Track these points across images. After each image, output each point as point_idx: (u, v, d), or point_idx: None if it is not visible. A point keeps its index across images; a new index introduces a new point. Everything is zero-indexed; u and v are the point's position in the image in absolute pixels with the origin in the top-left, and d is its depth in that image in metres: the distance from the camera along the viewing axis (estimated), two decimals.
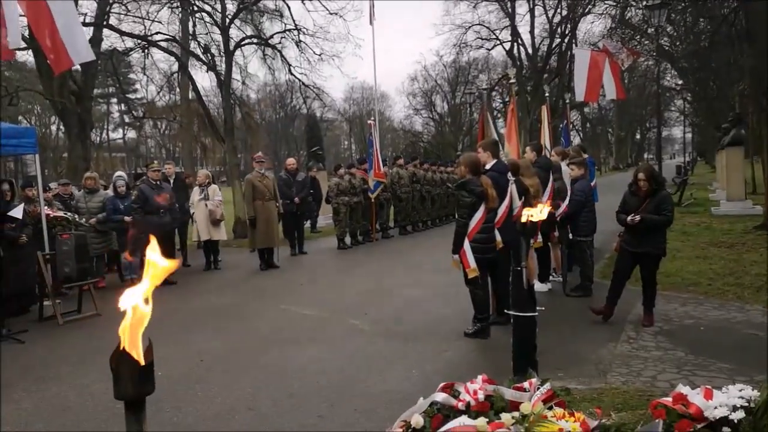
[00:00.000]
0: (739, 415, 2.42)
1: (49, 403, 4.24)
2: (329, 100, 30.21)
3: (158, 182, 8.79)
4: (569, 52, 27.65)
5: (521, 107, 25.34)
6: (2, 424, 3.86)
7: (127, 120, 44.91)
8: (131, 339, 1.32)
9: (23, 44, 12.80)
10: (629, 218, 5.33)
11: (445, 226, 15.00)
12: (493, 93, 33.52)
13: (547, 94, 12.35)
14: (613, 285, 5.72)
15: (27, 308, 7.20)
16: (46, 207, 7.72)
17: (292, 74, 18.46)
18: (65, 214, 8.09)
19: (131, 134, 49.29)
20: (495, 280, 5.84)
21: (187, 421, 3.80)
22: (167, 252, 8.88)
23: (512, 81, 8.46)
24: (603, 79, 10.80)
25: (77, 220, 8.13)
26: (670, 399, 2.75)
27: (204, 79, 65.80)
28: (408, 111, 50.45)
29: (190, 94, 19.76)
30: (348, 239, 12.08)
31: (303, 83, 18.69)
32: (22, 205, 6.77)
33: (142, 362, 1.33)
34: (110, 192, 9.05)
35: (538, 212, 3.91)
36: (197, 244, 10.49)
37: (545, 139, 8.56)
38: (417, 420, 3.11)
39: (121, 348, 1.31)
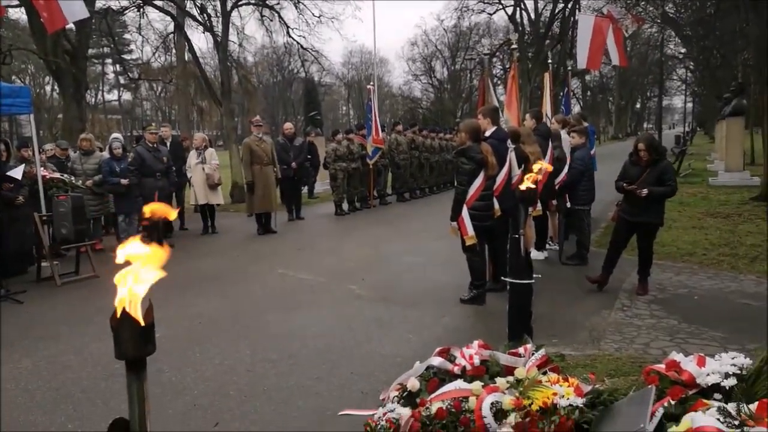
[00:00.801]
0: (731, 382, 2.46)
1: (48, 362, 4.29)
2: (328, 64, 29.77)
3: (155, 145, 8.71)
4: (572, 18, 27.13)
5: (522, 74, 25.01)
6: (2, 381, 3.91)
7: (122, 81, 44.23)
8: (131, 300, 1.31)
9: (15, 0, 12.50)
10: (638, 191, 5.28)
11: (442, 193, 14.99)
12: (494, 59, 33.09)
13: (549, 61, 12.16)
14: (609, 254, 5.75)
15: (25, 269, 7.22)
16: (42, 168, 7.66)
17: (290, 36, 18.18)
18: (61, 176, 8.02)
19: (127, 96, 48.67)
20: (492, 248, 5.87)
21: (185, 381, 3.86)
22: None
23: (514, 47, 8.33)
24: (606, 46, 10.64)
25: (73, 182, 8.05)
26: (663, 366, 2.80)
27: (200, 41, 64.50)
28: (407, 77, 49.89)
29: (186, 56, 19.42)
30: (345, 205, 12.07)
31: (301, 46, 18.44)
32: (21, 166, 6.72)
33: (143, 323, 1.33)
34: (106, 154, 8.96)
35: (536, 171, 3.89)
36: (194, 207, 10.46)
37: (546, 106, 8.47)
38: (413, 383, 3.16)
39: (121, 308, 1.30)
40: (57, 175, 8.01)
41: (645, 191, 5.26)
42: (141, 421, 1.39)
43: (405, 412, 2.97)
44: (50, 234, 7.16)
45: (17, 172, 6.39)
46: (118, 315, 1.28)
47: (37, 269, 6.93)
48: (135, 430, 1.39)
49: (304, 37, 18.32)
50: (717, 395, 2.45)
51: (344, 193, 11.96)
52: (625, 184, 5.43)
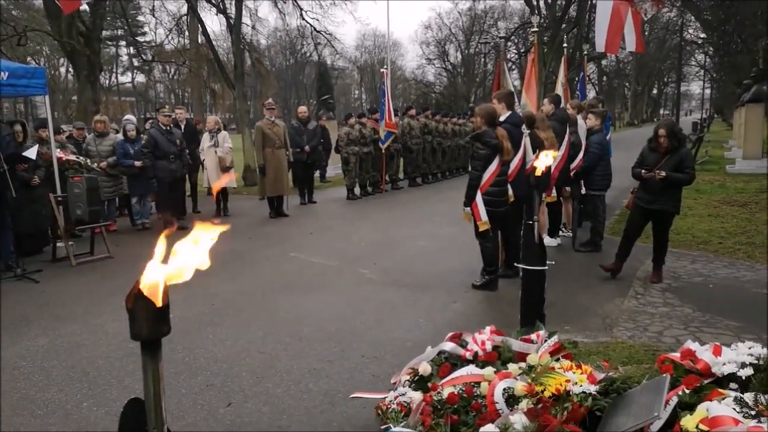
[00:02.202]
0: (748, 371, 2.43)
1: (64, 340, 4.35)
2: (341, 48, 29.60)
3: (169, 127, 8.72)
4: (590, 1, 26.66)
5: (538, 58, 24.68)
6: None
7: (135, 63, 44.34)
8: (150, 282, 1.31)
9: None
10: (656, 172, 5.21)
11: (455, 178, 14.92)
12: (508, 43, 32.68)
13: (565, 45, 11.96)
14: (623, 242, 5.69)
15: (40, 249, 7.32)
16: (58, 150, 7.70)
17: (303, 19, 18.06)
18: (77, 158, 8.05)
19: (140, 78, 48.79)
20: (505, 234, 5.83)
21: (198, 362, 3.89)
22: (177, 198, 8.94)
23: (535, 29, 8.17)
24: (624, 30, 10.42)
25: (89, 164, 8.09)
26: (677, 354, 2.77)
27: (214, 23, 64.54)
28: (420, 60, 49.51)
29: (200, 38, 19.40)
30: (357, 190, 12.05)
31: (315, 29, 18.33)
32: (36, 146, 6.77)
33: (159, 304, 1.33)
34: (120, 136, 9.00)
35: (545, 157, 3.83)
36: (207, 190, 10.51)
37: (560, 92, 8.35)
38: (425, 368, 3.16)
39: (138, 289, 1.30)
40: (73, 157, 8.04)
41: (663, 173, 5.17)
42: (156, 400, 1.39)
43: (416, 396, 2.98)
44: (65, 214, 7.23)
45: (32, 152, 6.44)
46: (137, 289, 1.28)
47: (52, 250, 7.01)
48: (150, 410, 1.40)
49: (317, 19, 18.24)
50: (733, 385, 2.43)
51: (356, 177, 11.94)
52: (643, 171, 5.34)
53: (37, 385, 3.60)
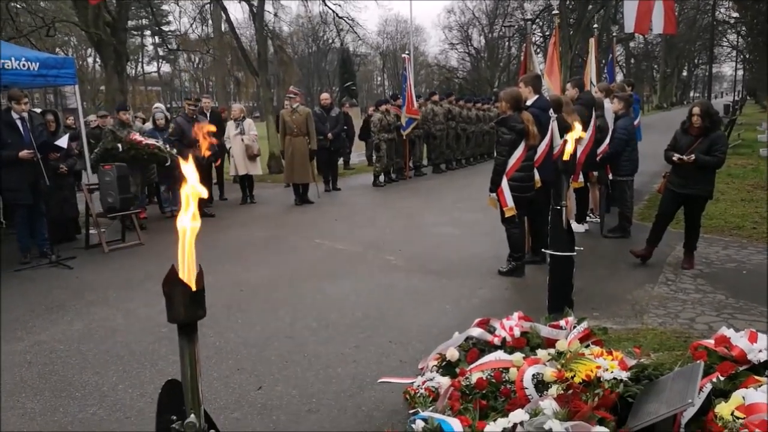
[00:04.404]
0: None
1: (99, 325, 4.46)
2: (363, 33, 29.44)
3: (195, 116, 8.82)
4: None
5: (563, 41, 24.22)
6: (57, 343, 4.10)
7: (161, 53, 44.81)
8: (184, 264, 1.33)
9: None
10: (685, 157, 5.10)
11: (479, 165, 14.81)
12: (533, 26, 32.12)
13: (596, 26, 11.70)
14: (654, 227, 5.58)
15: (74, 236, 7.50)
16: (136, 134, 7.72)
17: (325, 5, 17.98)
18: (157, 142, 7.85)
19: (166, 68, 49.33)
20: (532, 220, 5.78)
21: (229, 346, 3.96)
22: (203, 185, 9.12)
23: (555, 12, 8.05)
24: (653, 9, 10.16)
25: (167, 149, 7.86)
26: (711, 341, 2.73)
27: (237, 11, 64.80)
28: (443, 45, 49.20)
29: (223, 26, 19.48)
30: (382, 177, 12.05)
31: (337, 14, 18.26)
32: (66, 136, 6.90)
33: (194, 288, 1.35)
34: (149, 125, 9.12)
35: (574, 134, 3.77)
36: (233, 178, 10.63)
37: (591, 74, 8.19)
38: (452, 353, 3.17)
39: (174, 273, 1.32)
40: (152, 141, 7.81)
41: (693, 156, 5.06)
42: (193, 382, 1.42)
43: (444, 381, 2.99)
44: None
45: (63, 141, 6.58)
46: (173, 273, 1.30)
47: (85, 237, 7.18)
48: (187, 391, 1.43)
49: (339, 5, 18.13)
50: None
51: (388, 163, 11.92)
52: (675, 157, 5.22)
53: (74, 368, 3.71)
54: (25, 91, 6.51)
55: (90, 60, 40.18)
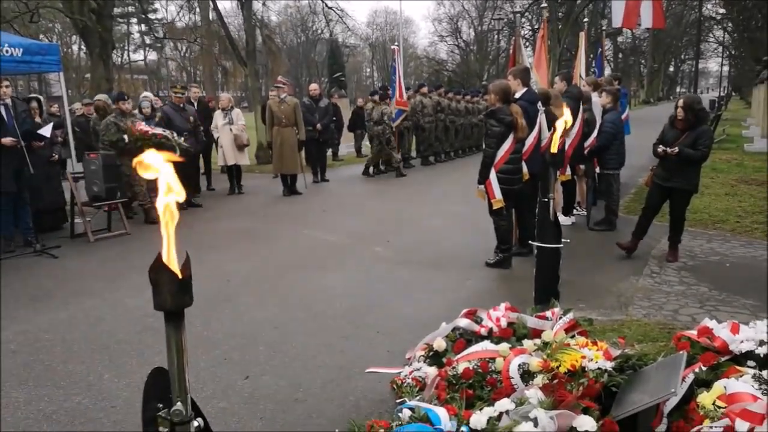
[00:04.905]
0: (766, 349, 2.43)
1: (84, 314, 4.42)
2: (352, 24, 29.29)
3: (182, 105, 8.73)
4: None
5: (551, 35, 24.28)
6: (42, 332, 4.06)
7: (147, 41, 44.26)
8: (168, 252, 1.32)
9: None
10: (669, 149, 5.15)
11: (467, 157, 14.83)
12: (522, 20, 32.13)
13: (586, 20, 11.74)
14: (640, 220, 5.64)
15: (59, 225, 7.41)
16: (143, 123, 7.46)
17: None
18: (164, 131, 7.54)
19: (152, 56, 48.76)
20: (519, 212, 5.81)
21: (215, 336, 3.95)
22: (190, 176, 8.97)
23: (543, 5, 8.07)
24: (641, 5, 10.21)
25: (176, 138, 7.53)
26: (694, 332, 2.77)
27: None
28: (432, 38, 49.09)
29: (211, 15, 19.28)
30: (371, 168, 12.03)
31: (326, 4, 18.10)
32: (50, 125, 6.80)
33: (180, 276, 1.34)
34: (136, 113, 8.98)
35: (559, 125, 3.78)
36: (221, 168, 10.56)
37: (581, 67, 8.22)
38: (440, 343, 3.19)
39: (160, 260, 1.31)
40: (159, 130, 7.49)
41: (676, 149, 5.11)
42: (179, 370, 1.42)
43: (431, 371, 3.01)
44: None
45: (47, 130, 6.48)
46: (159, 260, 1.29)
47: (70, 226, 7.10)
48: (174, 380, 1.42)
49: None
50: (750, 363, 2.42)
51: (377, 155, 11.92)
52: (659, 148, 5.27)
53: (59, 357, 3.68)
54: (6, 77, 6.38)
55: (75, 47, 39.57)
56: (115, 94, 9.14)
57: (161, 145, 7.13)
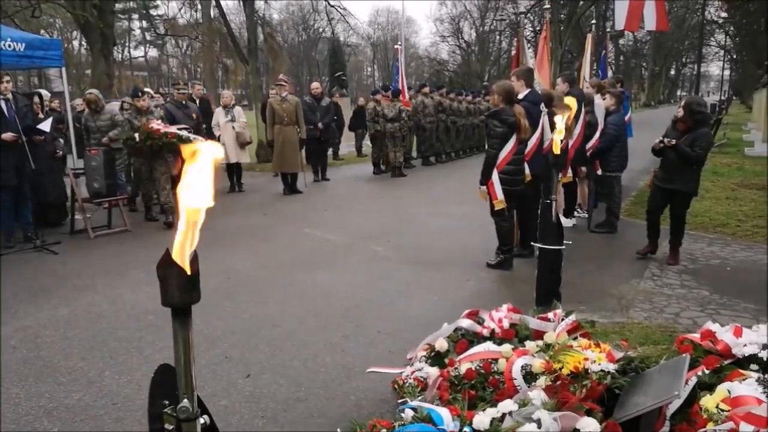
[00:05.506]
0: None
1: (84, 311, 4.42)
2: (354, 23, 29.27)
3: (184, 102, 8.70)
4: None
5: (553, 37, 24.26)
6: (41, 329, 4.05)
7: (148, 38, 44.22)
8: (180, 249, 1.32)
9: None
10: (666, 140, 5.15)
11: (468, 158, 14.83)
12: (524, 21, 32.15)
13: (593, 21, 11.74)
14: (649, 223, 5.66)
15: (60, 221, 7.39)
16: (157, 121, 7.31)
17: None
18: (178, 128, 7.34)
19: (153, 53, 48.70)
20: (521, 213, 5.81)
21: (216, 334, 3.94)
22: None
23: (546, 6, 8.08)
24: (644, 5, 10.20)
25: (190, 137, 7.20)
26: (697, 335, 2.77)
27: None
28: (434, 38, 49.05)
29: (212, 12, 19.26)
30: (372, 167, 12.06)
31: (328, 3, 18.07)
32: (50, 119, 6.78)
33: (188, 272, 1.34)
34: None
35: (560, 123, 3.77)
36: (223, 166, 10.54)
37: (586, 69, 8.21)
38: (441, 344, 3.19)
39: (169, 255, 1.31)
40: (173, 129, 7.27)
41: (673, 141, 5.10)
42: (186, 367, 1.41)
43: (433, 371, 3.01)
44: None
45: (46, 125, 6.47)
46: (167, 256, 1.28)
47: (71, 222, 7.09)
48: (181, 376, 1.42)
49: None
50: (753, 366, 2.42)
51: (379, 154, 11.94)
52: (657, 140, 5.26)
53: (60, 353, 3.67)
54: (7, 72, 6.37)
55: (75, 43, 39.50)
56: (131, 90, 9.00)
57: (170, 144, 7.00)
